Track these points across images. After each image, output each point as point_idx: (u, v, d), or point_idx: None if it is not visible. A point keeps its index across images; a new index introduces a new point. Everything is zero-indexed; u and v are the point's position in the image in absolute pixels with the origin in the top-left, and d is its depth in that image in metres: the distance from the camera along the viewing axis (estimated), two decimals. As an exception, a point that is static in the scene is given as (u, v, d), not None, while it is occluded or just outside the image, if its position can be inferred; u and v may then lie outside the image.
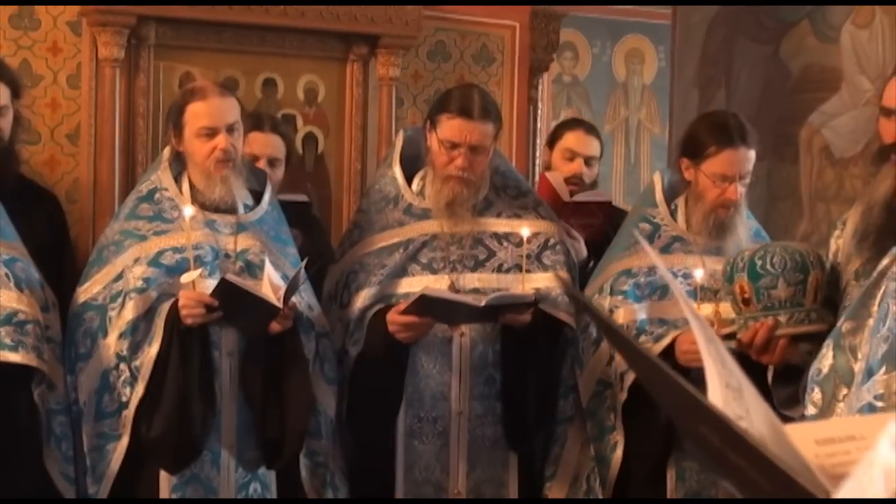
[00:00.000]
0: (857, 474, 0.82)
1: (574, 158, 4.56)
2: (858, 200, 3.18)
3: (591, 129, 4.71)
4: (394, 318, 3.49)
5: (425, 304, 3.42)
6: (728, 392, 0.99)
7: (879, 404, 1.98)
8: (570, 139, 4.60)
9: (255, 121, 4.10)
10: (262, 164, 4.05)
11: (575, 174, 4.51)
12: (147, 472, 3.43)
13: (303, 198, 4.17)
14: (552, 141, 4.70)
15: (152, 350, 3.33)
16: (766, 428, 0.96)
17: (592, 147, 4.63)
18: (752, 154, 3.57)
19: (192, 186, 3.56)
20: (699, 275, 3.50)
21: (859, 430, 1.04)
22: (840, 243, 3.24)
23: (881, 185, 2.99)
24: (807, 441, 1.00)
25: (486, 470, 3.68)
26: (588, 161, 4.59)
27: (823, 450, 1.01)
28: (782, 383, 3.07)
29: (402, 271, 3.65)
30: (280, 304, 3.31)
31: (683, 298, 1.03)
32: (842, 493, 0.83)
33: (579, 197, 4.39)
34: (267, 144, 4.10)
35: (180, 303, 3.31)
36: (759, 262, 3.23)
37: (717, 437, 0.95)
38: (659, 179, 3.79)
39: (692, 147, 3.62)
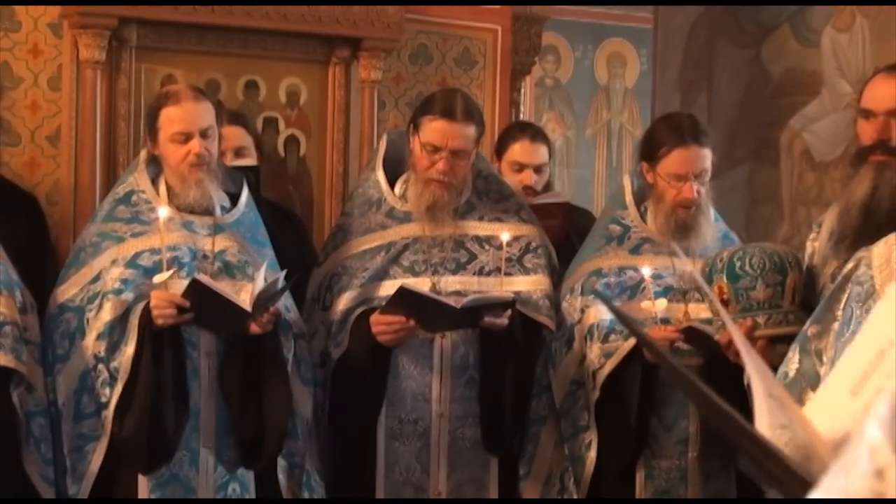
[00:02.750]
0: (846, 453, 0.82)
1: (523, 170, 4.54)
2: (835, 203, 3.20)
3: (535, 136, 4.66)
4: (377, 318, 3.51)
5: (403, 299, 3.43)
6: (771, 401, 0.99)
7: None
8: (517, 151, 4.56)
9: None
10: (229, 158, 4.03)
11: (525, 185, 4.49)
12: (126, 472, 3.43)
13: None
14: (499, 151, 4.66)
15: (129, 350, 3.33)
16: (807, 435, 0.96)
17: (539, 155, 4.60)
18: (705, 152, 3.59)
19: (168, 188, 3.56)
20: (647, 272, 3.53)
21: None
22: (816, 245, 3.26)
23: (859, 187, 3.00)
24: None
25: (466, 471, 3.69)
26: (537, 169, 4.57)
27: None
28: (759, 386, 3.08)
29: (383, 274, 3.66)
30: (249, 309, 3.32)
31: (723, 313, 1.04)
32: (829, 472, 0.83)
33: (537, 200, 4.40)
34: (227, 137, 4.03)
35: (151, 303, 3.31)
36: (738, 264, 3.25)
37: (755, 451, 0.96)
38: (628, 182, 3.82)
39: (648, 149, 3.66)
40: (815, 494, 0.83)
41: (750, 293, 3.23)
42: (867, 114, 3.04)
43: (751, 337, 3.20)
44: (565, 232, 4.18)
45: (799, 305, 3.21)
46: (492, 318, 3.49)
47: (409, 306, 3.45)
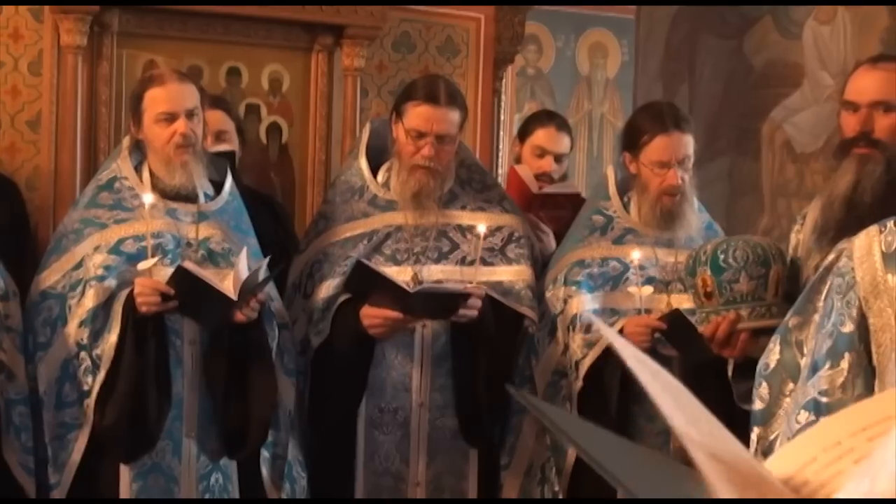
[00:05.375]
0: (872, 457, 0.81)
1: (544, 156, 4.56)
2: (819, 195, 3.20)
3: (562, 126, 4.70)
4: (369, 311, 3.50)
5: (359, 274, 3.42)
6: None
7: (824, 399, 1.99)
8: (541, 136, 4.59)
9: None
10: (210, 142, 4.01)
11: (544, 172, 4.51)
12: (108, 461, 3.41)
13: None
14: (522, 135, 4.69)
15: (112, 338, 3.32)
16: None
17: (563, 144, 4.63)
18: (687, 139, 3.60)
19: (152, 175, 3.54)
20: (636, 255, 3.55)
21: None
22: (800, 238, 3.26)
23: (841, 180, 3.00)
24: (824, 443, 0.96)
25: (445, 461, 3.69)
26: (558, 158, 4.60)
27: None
28: (742, 377, 3.09)
29: (366, 262, 3.66)
30: (235, 297, 3.30)
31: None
32: (853, 476, 0.82)
33: (548, 189, 4.40)
34: (208, 121, 3.98)
35: (136, 290, 3.29)
36: (721, 256, 3.25)
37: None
38: (612, 173, 3.82)
39: (630, 139, 3.67)
40: (841, 497, 0.83)
41: (733, 286, 3.23)
42: (850, 106, 3.04)
43: (734, 330, 3.20)
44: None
45: (782, 298, 3.21)
46: (464, 310, 3.48)
47: (365, 282, 3.44)
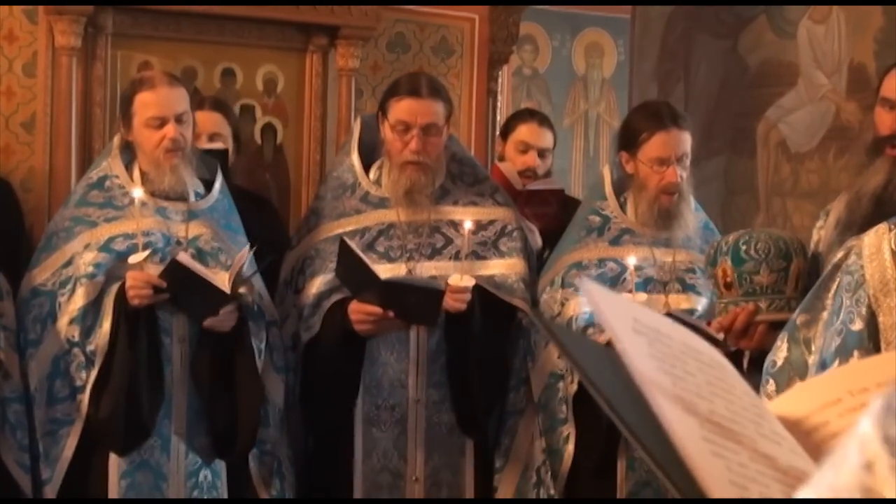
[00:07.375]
0: (840, 448, 0.80)
1: (527, 151, 4.58)
2: (844, 191, 3.18)
3: (543, 121, 4.73)
4: (356, 307, 3.50)
5: (343, 253, 3.43)
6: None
7: None
8: (524, 131, 4.62)
9: (196, 102, 4.09)
10: (202, 141, 4.01)
11: (528, 167, 4.53)
12: (97, 457, 3.42)
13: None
14: (505, 133, 4.71)
15: (105, 327, 3.32)
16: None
17: (546, 139, 4.66)
18: (685, 136, 3.60)
19: (142, 174, 3.55)
20: (632, 262, 3.54)
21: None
22: (822, 234, 3.25)
23: (873, 178, 2.99)
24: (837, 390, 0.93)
25: (442, 456, 3.70)
26: (541, 153, 4.61)
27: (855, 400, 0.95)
28: (759, 370, 3.08)
29: (358, 259, 3.66)
30: (228, 291, 3.31)
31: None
32: (822, 468, 0.81)
33: (532, 186, 4.42)
34: (205, 121, 4.02)
35: (127, 283, 3.30)
36: (743, 247, 3.23)
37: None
38: (608, 173, 3.82)
39: (627, 138, 3.67)
40: (804, 491, 0.82)
41: (753, 277, 3.21)
42: (886, 103, 3.02)
43: (752, 321, 3.18)
44: (559, 219, 4.18)
45: (802, 292, 3.19)
46: (451, 302, 3.48)
47: (350, 267, 3.45)
